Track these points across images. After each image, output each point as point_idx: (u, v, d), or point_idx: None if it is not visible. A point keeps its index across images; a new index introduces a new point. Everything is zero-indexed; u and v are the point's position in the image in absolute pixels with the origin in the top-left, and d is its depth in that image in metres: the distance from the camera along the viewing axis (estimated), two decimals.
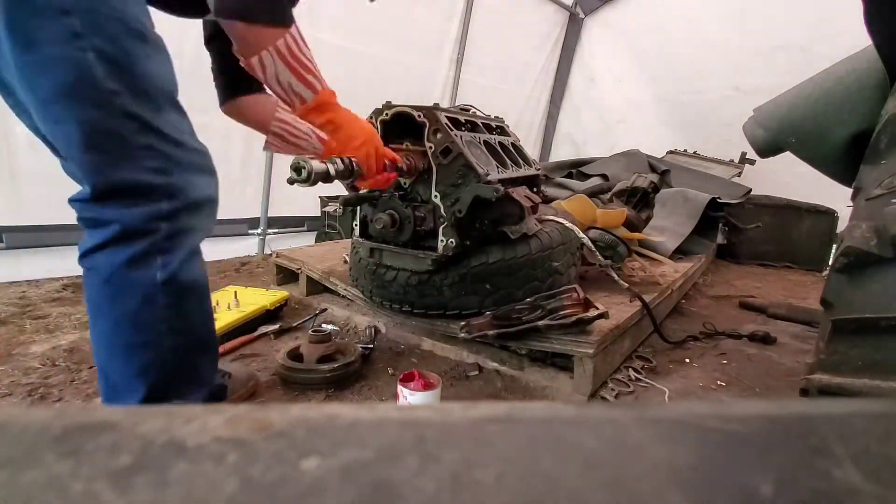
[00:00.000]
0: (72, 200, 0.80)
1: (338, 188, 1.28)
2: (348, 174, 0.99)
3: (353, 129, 1.04)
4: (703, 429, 0.18)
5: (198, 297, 0.88)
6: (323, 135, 1.03)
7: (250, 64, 0.87)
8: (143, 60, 0.77)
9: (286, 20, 0.86)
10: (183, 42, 2.12)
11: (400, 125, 1.31)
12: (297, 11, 0.91)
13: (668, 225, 2.31)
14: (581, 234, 1.48)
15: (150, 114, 0.77)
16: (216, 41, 1.05)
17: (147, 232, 0.79)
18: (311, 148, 1.06)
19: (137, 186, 0.77)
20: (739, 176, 3.27)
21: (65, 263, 1.87)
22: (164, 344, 0.83)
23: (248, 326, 1.49)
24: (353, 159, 1.00)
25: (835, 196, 1.75)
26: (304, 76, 0.91)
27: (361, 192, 1.33)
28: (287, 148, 1.10)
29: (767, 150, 1.31)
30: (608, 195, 2.64)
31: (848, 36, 2.37)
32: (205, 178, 0.86)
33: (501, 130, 1.61)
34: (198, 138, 0.88)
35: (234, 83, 1.08)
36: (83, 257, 0.81)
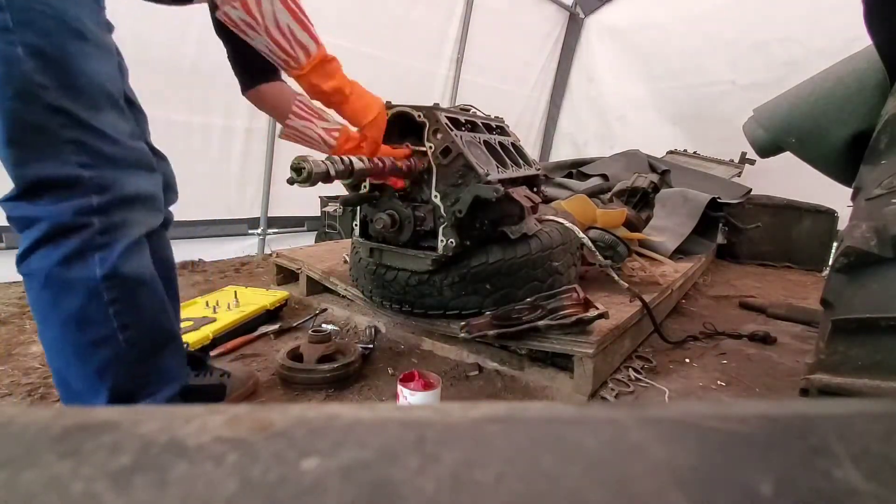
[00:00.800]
0: (2, 201, 0.78)
1: (338, 188, 1.28)
2: (348, 174, 0.99)
3: (365, 99, 1.01)
4: (703, 429, 0.18)
5: (148, 290, 0.85)
6: (334, 135, 1.03)
7: (247, 5, 0.84)
8: (79, 58, 0.76)
9: None
10: (183, 43, 2.13)
11: (400, 125, 1.31)
12: None
13: (668, 225, 2.31)
14: (581, 234, 1.48)
15: (84, 111, 0.76)
16: (227, 33, 1.04)
17: (78, 227, 0.77)
18: (327, 136, 1.06)
19: (63, 180, 0.76)
20: (739, 176, 3.27)
21: None
22: (119, 340, 0.80)
23: (248, 326, 1.49)
24: (352, 159, 1.00)
25: (835, 196, 1.75)
26: (304, 21, 0.89)
27: (361, 191, 1.33)
28: (302, 139, 1.10)
29: (767, 150, 1.31)
30: (608, 195, 2.65)
31: (845, 29, 2.38)
32: (141, 173, 0.84)
33: (501, 130, 1.61)
34: (140, 141, 0.87)
35: (253, 72, 1.07)
36: (19, 263, 0.78)
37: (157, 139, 1.02)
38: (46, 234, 0.76)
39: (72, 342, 0.79)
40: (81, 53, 0.76)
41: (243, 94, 1.10)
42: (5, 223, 0.80)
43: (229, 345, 1.38)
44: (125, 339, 0.81)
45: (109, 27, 0.86)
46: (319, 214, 2.76)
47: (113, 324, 0.80)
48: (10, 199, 0.77)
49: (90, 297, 0.78)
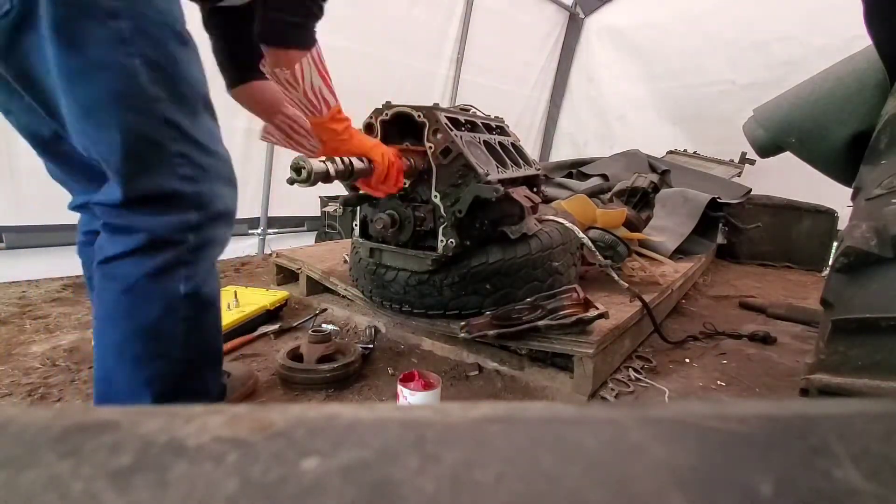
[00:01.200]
0: (97, 204, 0.78)
1: (338, 188, 1.28)
2: (348, 174, 0.99)
3: (362, 136, 1.08)
4: (703, 429, 0.18)
5: (214, 312, 0.89)
6: (321, 139, 1.04)
7: (276, 76, 0.90)
8: (184, 65, 0.77)
9: (315, 39, 0.91)
10: None
11: (400, 125, 1.31)
12: None
13: (668, 225, 2.31)
14: (581, 234, 1.48)
15: (188, 120, 0.77)
16: (220, 26, 1.04)
17: (175, 242, 0.78)
18: (310, 146, 1.07)
19: (169, 195, 0.77)
20: (739, 176, 3.27)
21: (65, 263, 1.87)
22: (177, 356, 0.82)
23: (248, 326, 1.49)
24: (352, 159, 1.00)
25: (835, 196, 1.75)
26: (329, 83, 0.96)
27: (361, 191, 1.33)
28: (285, 142, 1.11)
29: (767, 150, 1.31)
30: (608, 195, 2.65)
31: (845, 28, 2.39)
32: (229, 189, 0.86)
33: (501, 130, 1.61)
34: (224, 147, 0.88)
35: (244, 68, 1.08)
36: (104, 263, 0.79)
37: None
38: (143, 245, 0.77)
39: (134, 350, 0.80)
40: (185, 59, 0.77)
41: (230, 90, 1.09)
42: (5, 223, 0.80)
43: (229, 345, 1.38)
44: (183, 356, 0.83)
45: None
46: (319, 214, 2.76)
47: (179, 339, 0.82)
48: (109, 204, 0.77)
49: (167, 312, 0.79)
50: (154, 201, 0.76)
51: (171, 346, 0.81)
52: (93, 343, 0.87)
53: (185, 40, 0.78)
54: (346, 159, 1.00)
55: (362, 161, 1.04)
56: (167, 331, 0.80)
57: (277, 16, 0.84)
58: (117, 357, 0.81)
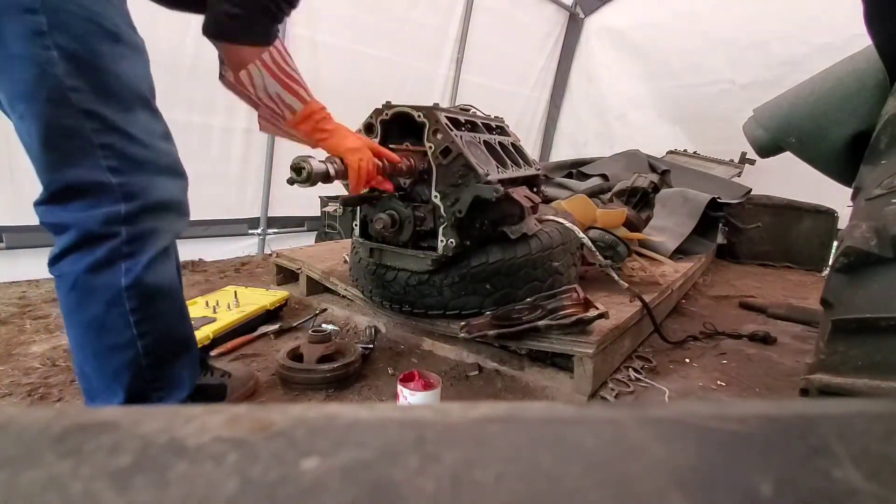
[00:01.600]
0: (35, 204, 0.79)
1: (338, 188, 1.28)
2: (347, 174, 0.99)
3: (345, 133, 1.05)
4: (703, 429, 0.18)
5: (169, 299, 0.88)
6: (300, 100, 1.01)
7: (238, 78, 0.88)
8: (112, 60, 0.76)
9: (269, 38, 0.88)
10: (183, 43, 2.13)
11: (400, 125, 1.31)
12: (297, 13, 0.92)
13: (668, 225, 2.31)
14: (581, 234, 1.48)
15: (116, 113, 0.77)
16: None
17: (106, 236, 0.78)
18: (290, 112, 1.01)
19: (93, 186, 0.77)
20: (739, 176, 3.27)
21: None
22: (137, 346, 0.83)
23: (248, 326, 1.49)
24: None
25: (835, 196, 1.75)
26: (292, 86, 0.93)
27: (362, 192, 1.33)
28: (273, 119, 1.05)
29: (767, 150, 1.31)
30: (608, 195, 2.65)
31: (845, 27, 2.38)
32: (170, 179, 0.86)
33: (501, 130, 1.61)
34: (172, 141, 0.88)
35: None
36: (51, 265, 0.81)
37: None
38: (76, 242, 0.78)
39: (92, 344, 0.82)
40: (114, 55, 0.77)
41: (220, 78, 1.08)
42: (5, 223, 0.81)
43: (229, 345, 1.38)
44: (143, 346, 0.84)
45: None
46: (319, 214, 2.76)
47: (132, 331, 0.82)
48: (41, 202, 0.78)
49: (112, 304, 0.80)
50: (77, 193, 0.76)
51: (122, 338, 0.82)
52: None
53: (116, 38, 0.77)
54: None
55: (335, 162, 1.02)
56: (116, 324, 0.81)
57: (220, 6, 0.83)
58: (81, 353, 0.84)
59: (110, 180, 0.77)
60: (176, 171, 0.87)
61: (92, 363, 0.83)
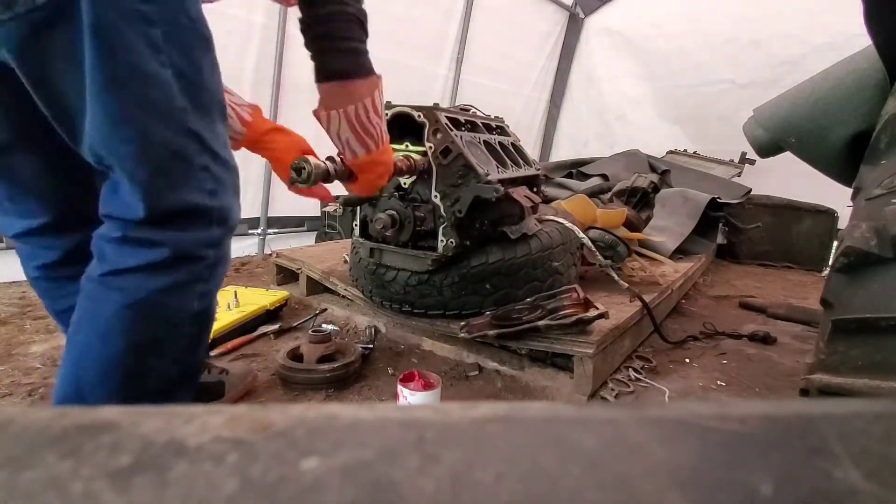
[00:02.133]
0: (115, 218, 0.71)
1: (337, 188, 1.28)
2: (348, 175, 0.99)
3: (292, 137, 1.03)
4: (703, 429, 0.18)
5: (210, 329, 0.84)
6: (247, 109, 0.99)
7: (318, 113, 0.87)
8: (208, 72, 0.72)
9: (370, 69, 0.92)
10: None
11: (400, 125, 1.31)
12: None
13: (668, 225, 2.31)
14: (581, 234, 1.48)
15: (207, 131, 0.72)
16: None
17: (196, 258, 0.73)
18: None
19: (193, 210, 0.72)
20: (739, 176, 3.27)
21: None
22: (166, 374, 0.77)
23: (248, 326, 1.49)
24: None
25: (835, 196, 1.75)
26: (364, 138, 0.91)
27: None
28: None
29: (767, 150, 1.31)
30: (608, 195, 2.65)
31: (845, 27, 2.38)
32: (237, 200, 0.81)
33: (501, 130, 1.61)
34: (231, 152, 0.84)
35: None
36: (108, 275, 0.71)
37: None
38: (164, 260, 0.71)
39: (127, 366, 0.72)
40: (210, 66, 0.72)
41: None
42: None
43: (229, 345, 1.38)
44: (173, 371, 0.78)
45: None
46: (319, 214, 2.76)
47: (176, 357, 0.77)
48: (130, 220, 0.70)
49: (175, 328, 0.74)
50: (180, 217, 0.72)
51: (166, 364, 0.76)
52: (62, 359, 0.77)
53: (210, 45, 0.73)
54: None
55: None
56: (169, 348, 0.75)
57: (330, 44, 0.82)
58: (103, 373, 0.72)
59: (210, 203, 0.73)
60: (239, 191, 0.82)
61: (110, 384, 0.72)
